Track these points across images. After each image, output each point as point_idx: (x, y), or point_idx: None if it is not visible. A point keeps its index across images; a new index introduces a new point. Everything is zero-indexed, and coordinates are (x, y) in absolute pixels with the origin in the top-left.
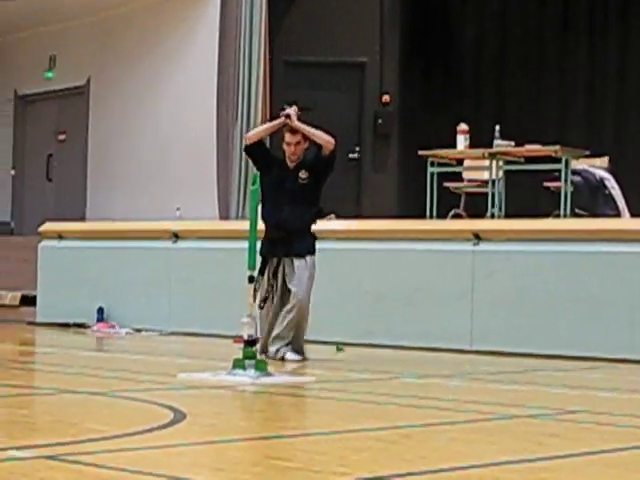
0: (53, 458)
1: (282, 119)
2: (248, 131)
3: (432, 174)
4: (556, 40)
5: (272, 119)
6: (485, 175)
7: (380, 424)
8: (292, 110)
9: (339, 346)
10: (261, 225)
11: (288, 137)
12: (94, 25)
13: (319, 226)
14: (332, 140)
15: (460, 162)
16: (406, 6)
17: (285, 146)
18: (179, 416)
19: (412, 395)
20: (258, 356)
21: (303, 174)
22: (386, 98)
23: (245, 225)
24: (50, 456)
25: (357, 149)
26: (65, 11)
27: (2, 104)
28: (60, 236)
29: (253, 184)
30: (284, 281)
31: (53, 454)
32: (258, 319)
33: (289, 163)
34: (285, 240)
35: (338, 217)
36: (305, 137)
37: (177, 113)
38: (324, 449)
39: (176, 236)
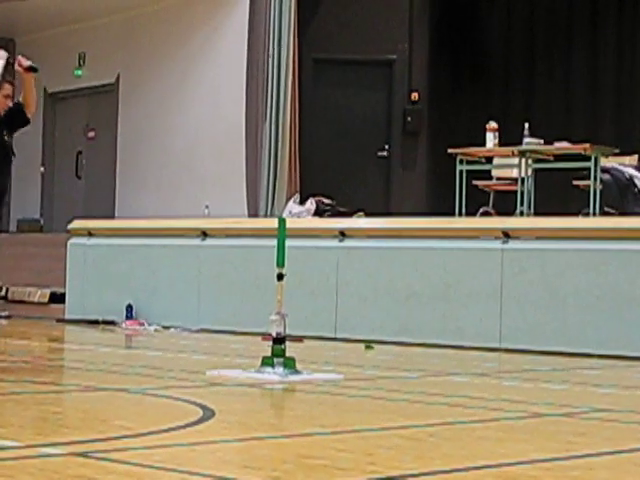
0: (83, 455)
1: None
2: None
3: (461, 172)
4: (585, 37)
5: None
6: (514, 173)
7: (408, 422)
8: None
9: (368, 344)
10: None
11: (8, 89)
12: (123, 23)
13: (347, 224)
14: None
15: (489, 160)
16: (434, 3)
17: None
18: (208, 413)
19: (441, 393)
20: None
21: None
22: (415, 96)
23: (273, 222)
24: (81, 453)
25: (386, 147)
26: (94, 9)
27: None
28: (89, 233)
29: None
30: None
31: (83, 451)
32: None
33: None
34: None
35: (367, 215)
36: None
37: (206, 110)
38: (352, 447)
39: (205, 234)
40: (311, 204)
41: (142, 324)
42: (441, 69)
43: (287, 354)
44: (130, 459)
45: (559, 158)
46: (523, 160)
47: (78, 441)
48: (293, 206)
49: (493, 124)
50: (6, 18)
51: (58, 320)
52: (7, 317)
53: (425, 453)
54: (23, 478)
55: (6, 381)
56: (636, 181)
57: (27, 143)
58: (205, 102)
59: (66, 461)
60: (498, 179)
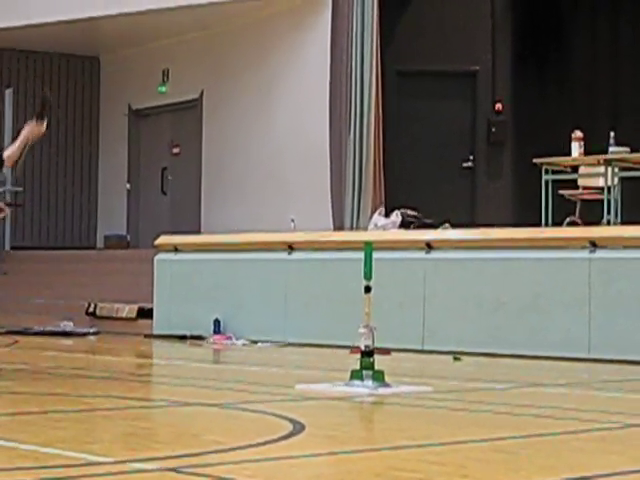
0: (175, 470)
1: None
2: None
3: (547, 181)
4: None
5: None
6: (600, 182)
7: (499, 434)
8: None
9: (456, 356)
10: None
11: None
12: (206, 39)
13: (433, 236)
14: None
15: (575, 169)
16: (517, 13)
17: None
18: (298, 427)
19: (530, 404)
20: None
21: None
22: (499, 106)
23: (359, 235)
24: (172, 468)
25: (471, 157)
26: (178, 25)
27: (117, 119)
28: (176, 249)
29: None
30: None
31: (175, 466)
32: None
33: None
34: None
35: (453, 226)
36: None
37: (290, 124)
38: (444, 460)
39: (291, 247)
40: (396, 216)
41: (229, 338)
42: (525, 78)
43: (376, 367)
44: (222, 474)
45: None
46: (609, 169)
47: (169, 456)
48: (378, 219)
49: (578, 133)
50: (90, 36)
51: (146, 335)
52: (95, 333)
53: (520, 465)
54: None
55: (96, 397)
56: None
57: (112, 160)
58: (288, 116)
59: (158, 477)
60: (584, 188)
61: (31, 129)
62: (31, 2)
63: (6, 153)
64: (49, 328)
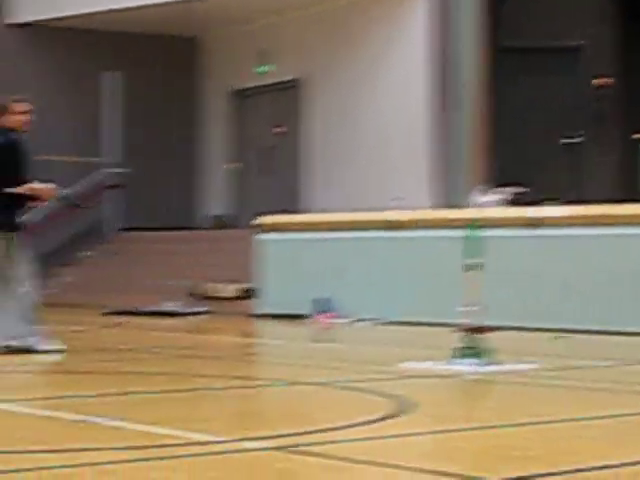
0: (285, 449)
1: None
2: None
3: None
4: None
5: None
6: None
7: (608, 411)
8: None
9: (557, 335)
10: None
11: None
12: (307, 18)
13: (539, 213)
14: None
15: None
16: None
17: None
18: (404, 406)
19: (636, 381)
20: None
21: None
22: (605, 81)
23: (463, 213)
24: (283, 447)
25: (577, 133)
26: (277, 5)
27: (219, 99)
28: (278, 228)
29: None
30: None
31: (285, 445)
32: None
33: None
34: None
35: (558, 203)
36: None
37: (391, 102)
38: (552, 437)
39: (392, 226)
40: (501, 193)
41: (333, 317)
42: (631, 53)
43: (480, 345)
44: (331, 452)
45: None
46: None
47: (280, 435)
48: (482, 196)
49: None
50: (188, 17)
51: (250, 315)
52: (201, 313)
53: (628, 443)
54: (229, 472)
55: (204, 376)
56: None
57: (214, 140)
58: (390, 94)
59: (269, 455)
60: None
61: (48, 191)
62: None
63: (16, 190)
64: (156, 308)
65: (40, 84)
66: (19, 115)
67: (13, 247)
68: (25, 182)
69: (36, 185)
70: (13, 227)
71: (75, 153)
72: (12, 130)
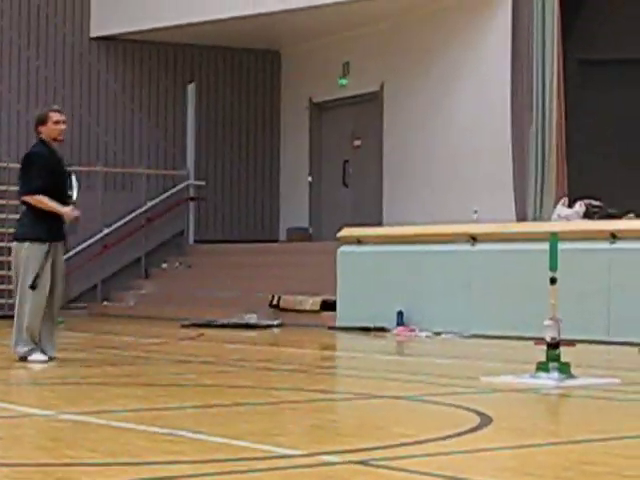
0: (363, 463)
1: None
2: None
3: None
4: None
5: None
6: None
7: None
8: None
9: None
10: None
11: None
12: (386, 31)
13: (618, 226)
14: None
15: None
16: None
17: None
18: (485, 420)
19: None
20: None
21: None
22: None
23: (542, 226)
24: (360, 461)
25: None
26: (357, 18)
27: (298, 112)
28: (358, 241)
29: None
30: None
31: (363, 459)
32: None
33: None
34: None
35: (637, 216)
36: None
37: (471, 115)
38: (635, 453)
39: (474, 239)
40: (580, 206)
41: (413, 330)
42: None
43: (561, 359)
44: (410, 467)
45: None
46: None
47: (357, 449)
48: (562, 209)
49: None
50: (271, 30)
51: (330, 327)
52: (279, 325)
53: None
54: None
55: (282, 389)
56: None
57: (294, 153)
58: (470, 107)
59: (346, 469)
60: None
61: (70, 212)
62: None
63: (35, 200)
64: (233, 320)
65: (123, 97)
66: (54, 125)
67: (48, 258)
68: (42, 193)
69: (47, 200)
70: (48, 238)
71: (157, 166)
72: (42, 141)
